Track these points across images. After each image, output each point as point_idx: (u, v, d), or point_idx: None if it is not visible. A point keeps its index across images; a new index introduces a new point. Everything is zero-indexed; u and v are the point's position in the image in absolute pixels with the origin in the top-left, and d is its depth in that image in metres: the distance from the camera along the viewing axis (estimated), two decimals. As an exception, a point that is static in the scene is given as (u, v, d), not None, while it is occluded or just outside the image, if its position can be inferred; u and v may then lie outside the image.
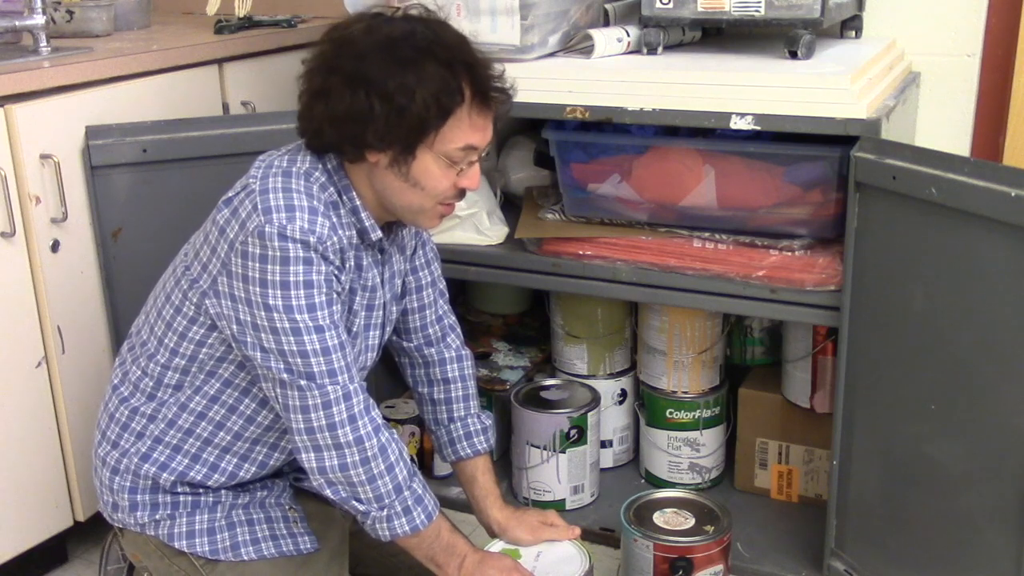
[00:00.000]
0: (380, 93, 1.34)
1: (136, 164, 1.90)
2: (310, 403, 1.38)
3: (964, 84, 2.03)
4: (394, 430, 1.47)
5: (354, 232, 1.45)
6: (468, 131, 1.40)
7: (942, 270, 1.52)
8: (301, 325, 1.36)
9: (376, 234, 1.46)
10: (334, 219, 1.41)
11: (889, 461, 1.68)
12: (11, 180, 1.77)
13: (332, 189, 1.43)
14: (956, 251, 1.50)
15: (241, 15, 2.43)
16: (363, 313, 1.51)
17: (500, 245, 2.03)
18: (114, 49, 2.07)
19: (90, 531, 2.02)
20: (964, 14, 2.00)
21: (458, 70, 1.37)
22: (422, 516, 1.44)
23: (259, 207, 1.36)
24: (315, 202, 1.38)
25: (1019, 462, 1.47)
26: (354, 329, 1.49)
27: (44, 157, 1.81)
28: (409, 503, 1.43)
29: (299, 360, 1.37)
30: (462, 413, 1.71)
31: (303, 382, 1.37)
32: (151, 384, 1.49)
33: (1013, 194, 1.38)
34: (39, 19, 2.02)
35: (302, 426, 1.39)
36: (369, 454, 1.39)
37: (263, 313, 1.36)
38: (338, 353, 1.39)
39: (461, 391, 1.72)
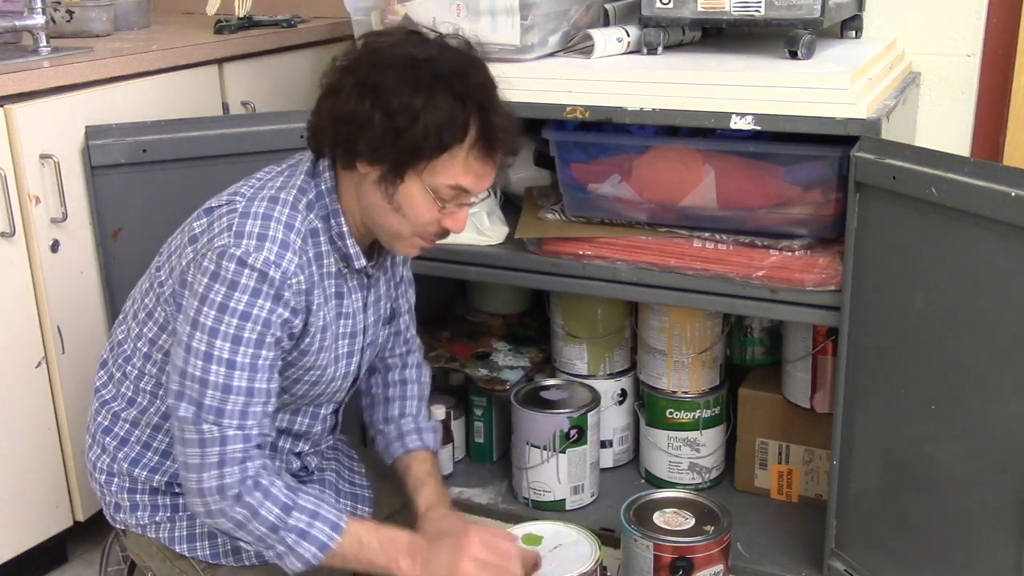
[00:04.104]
0: (384, 106, 1.31)
1: (136, 164, 1.90)
2: (185, 436, 1.33)
3: (964, 84, 2.03)
4: (269, 470, 1.36)
5: (335, 259, 1.43)
6: (461, 172, 1.35)
7: (942, 270, 1.52)
8: (215, 352, 1.31)
9: (360, 262, 1.44)
10: (310, 254, 1.38)
11: (889, 461, 1.68)
12: (11, 180, 1.78)
13: (320, 213, 1.40)
14: (956, 251, 1.49)
15: (241, 15, 2.43)
16: (344, 342, 1.49)
17: (500, 245, 2.03)
18: (114, 49, 2.07)
19: (90, 531, 2.02)
20: (964, 14, 2.00)
21: (469, 108, 1.32)
22: (313, 548, 1.35)
23: (233, 228, 1.33)
24: (292, 235, 1.35)
25: (1019, 462, 1.46)
26: (322, 363, 1.46)
27: (44, 157, 1.81)
28: (290, 541, 1.34)
29: (196, 385, 1.31)
30: (414, 411, 1.68)
31: (183, 410, 1.32)
32: (131, 388, 1.48)
33: (1013, 194, 1.38)
34: (39, 19, 2.02)
35: (179, 459, 1.35)
36: (225, 504, 1.33)
37: (188, 329, 1.33)
38: (241, 396, 1.32)
39: (416, 391, 1.70)
